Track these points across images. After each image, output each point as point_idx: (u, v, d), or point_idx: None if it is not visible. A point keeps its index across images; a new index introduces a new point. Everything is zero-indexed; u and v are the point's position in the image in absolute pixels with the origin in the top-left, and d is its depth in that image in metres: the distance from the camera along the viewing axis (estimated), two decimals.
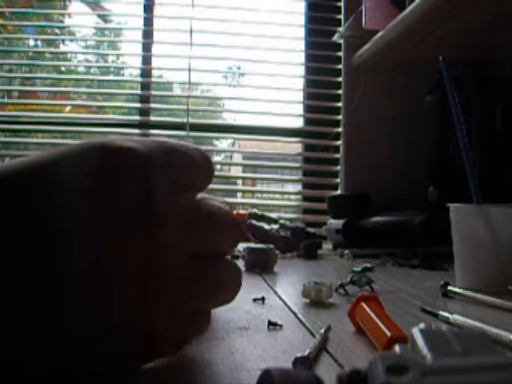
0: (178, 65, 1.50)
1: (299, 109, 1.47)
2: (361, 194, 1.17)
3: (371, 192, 1.16)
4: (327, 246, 1.05)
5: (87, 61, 2.23)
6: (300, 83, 1.48)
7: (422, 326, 0.21)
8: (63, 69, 1.69)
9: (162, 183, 0.25)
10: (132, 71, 2.25)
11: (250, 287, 0.55)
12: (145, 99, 1.44)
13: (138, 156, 0.25)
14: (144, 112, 1.44)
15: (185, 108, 1.40)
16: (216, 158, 2.58)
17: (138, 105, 1.45)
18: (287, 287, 0.58)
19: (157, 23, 1.46)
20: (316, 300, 0.48)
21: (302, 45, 1.45)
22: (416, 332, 0.20)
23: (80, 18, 2.46)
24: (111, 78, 1.85)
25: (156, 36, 1.45)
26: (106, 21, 2.00)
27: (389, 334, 0.31)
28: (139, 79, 1.47)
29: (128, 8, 1.57)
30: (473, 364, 0.17)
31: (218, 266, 0.28)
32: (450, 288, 0.52)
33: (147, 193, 0.25)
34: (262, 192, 2.16)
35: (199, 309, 0.28)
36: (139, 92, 1.45)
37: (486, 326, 0.35)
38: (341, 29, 1.27)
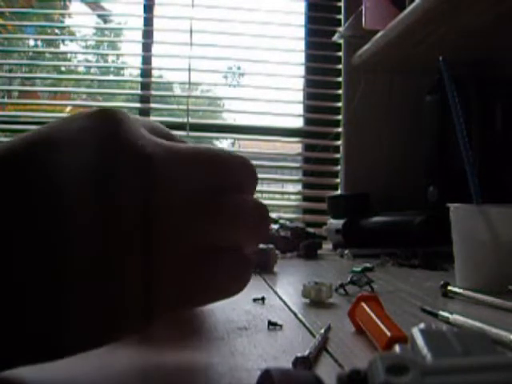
0: (177, 65, 1.50)
1: (299, 109, 1.47)
2: (361, 194, 1.17)
3: (371, 192, 1.16)
4: (327, 246, 1.05)
5: (87, 61, 2.23)
6: (300, 83, 1.48)
7: (421, 326, 0.21)
8: (63, 69, 1.69)
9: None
10: (132, 71, 2.24)
11: (250, 287, 0.54)
12: (145, 99, 1.44)
13: (145, 159, 0.24)
14: (144, 112, 1.44)
15: (185, 108, 1.40)
16: None
17: (138, 105, 1.45)
18: (287, 287, 0.58)
19: (157, 23, 1.46)
20: (316, 300, 0.48)
21: (302, 45, 1.45)
22: (416, 332, 0.20)
23: (80, 18, 2.46)
24: (111, 78, 1.85)
25: (156, 36, 1.45)
26: (105, 21, 2.00)
27: (389, 334, 0.31)
28: (139, 79, 1.47)
29: (128, 8, 1.57)
30: (473, 364, 0.17)
31: (222, 200, 0.26)
32: (449, 288, 0.52)
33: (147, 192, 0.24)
34: (262, 192, 2.16)
35: (219, 243, 0.26)
36: (139, 92, 1.45)
37: (486, 326, 0.35)
38: (341, 29, 1.27)
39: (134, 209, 0.23)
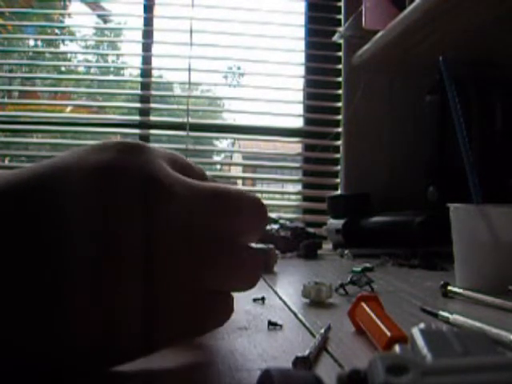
0: (178, 65, 1.50)
1: (299, 109, 1.47)
2: (361, 193, 1.17)
3: (371, 192, 1.16)
4: (327, 246, 1.05)
5: (87, 61, 2.23)
6: (300, 83, 1.48)
7: (421, 326, 0.21)
8: (63, 69, 1.69)
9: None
10: (132, 71, 2.24)
11: None
12: (145, 99, 1.44)
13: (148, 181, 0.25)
14: (144, 112, 1.44)
15: (185, 108, 1.40)
16: (216, 158, 2.59)
17: (138, 105, 1.45)
18: (287, 287, 0.58)
19: (157, 23, 1.46)
20: (316, 300, 0.48)
21: (302, 45, 1.45)
22: (416, 332, 0.20)
23: (80, 18, 2.47)
24: (111, 78, 1.85)
25: (156, 36, 1.45)
26: (105, 21, 2.00)
27: (389, 334, 0.31)
28: (139, 79, 1.47)
29: (128, 8, 1.57)
30: (473, 364, 0.17)
31: (235, 247, 0.28)
32: (449, 288, 0.52)
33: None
34: (262, 192, 2.16)
35: (214, 288, 0.28)
36: (139, 92, 1.45)
37: (486, 326, 0.35)
38: (341, 29, 1.27)
39: (148, 244, 0.24)
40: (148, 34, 1.44)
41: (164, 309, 0.25)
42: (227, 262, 0.27)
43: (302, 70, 1.46)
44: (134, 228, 0.24)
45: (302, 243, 0.91)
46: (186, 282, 0.26)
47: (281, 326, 0.38)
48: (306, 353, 0.29)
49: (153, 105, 1.46)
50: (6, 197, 0.24)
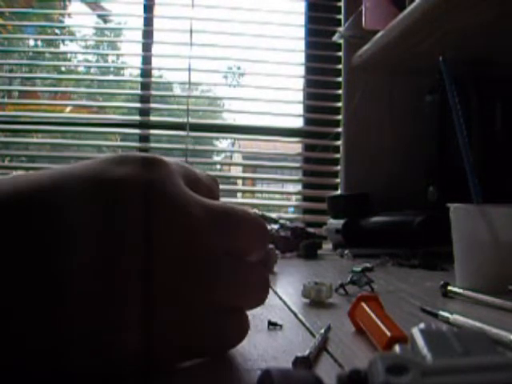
0: (177, 65, 1.50)
1: (299, 109, 1.47)
2: (361, 194, 1.17)
3: (371, 192, 1.16)
4: (327, 246, 1.05)
5: (87, 61, 2.23)
6: (300, 83, 1.48)
7: (422, 326, 0.21)
8: (63, 69, 1.69)
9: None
10: (132, 71, 2.24)
11: None
12: (145, 99, 1.44)
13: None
14: (144, 112, 1.44)
15: (185, 108, 1.40)
16: (216, 158, 2.58)
17: (138, 105, 1.45)
18: (287, 287, 0.58)
19: (157, 23, 1.46)
20: (316, 300, 0.48)
21: (302, 45, 1.45)
22: (416, 332, 0.20)
23: (80, 18, 2.46)
24: (111, 78, 1.85)
25: (156, 36, 1.45)
26: (105, 21, 2.00)
27: (389, 334, 0.31)
28: (139, 79, 1.47)
29: (128, 8, 1.56)
30: (473, 364, 0.17)
31: (244, 264, 0.29)
32: (449, 288, 0.52)
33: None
34: (262, 192, 2.16)
35: (225, 304, 0.28)
36: (139, 92, 1.45)
37: (486, 326, 0.35)
38: (341, 29, 1.27)
39: (164, 261, 0.24)
40: (148, 34, 1.44)
41: (174, 323, 0.25)
42: (238, 277, 0.28)
43: (302, 70, 1.46)
44: (146, 243, 0.24)
45: (301, 243, 0.91)
46: (196, 297, 0.26)
47: (281, 326, 0.38)
48: (306, 353, 0.29)
49: (153, 105, 1.46)
50: (12, 209, 0.23)
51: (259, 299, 0.31)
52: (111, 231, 0.24)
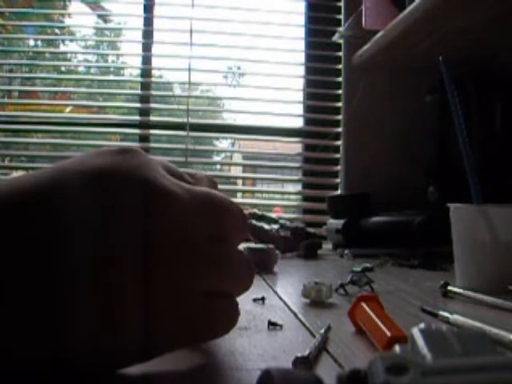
0: (177, 65, 1.50)
1: (299, 109, 1.47)
2: (361, 193, 1.16)
3: (371, 192, 1.16)
4: (327, 246, 1.05)
5: (87, 61, 2.23)
6: (300, 83, 1.48)
7: (422, 325, 0.21)
8: (63, 69, 1.69)
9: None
10: (132, 71, 2.25)
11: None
12: (145, 99, 1.44)
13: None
14: (144, 112, 1.44)
15: (185, 108, 1.40)
16: (216, 158, 2.58)
17: (138, 105, 1.45)
18: (287, 287, 0.58)
19: (157, 23, 1.46)
20: (316, 300, 0.48)
21: (302, 45, 1.45)
22: (416, 332, 0.20)
23: (80, 18, 2.47)
24: (111, 78, 1.85)
25: (156, 36, 1.45)
26: (106, 21, 2.00)
27: (389, 334, 0.31)
28: (139, 79, 1.47)
29: (128, 8, 1.57)
30: (473, 364, 0.17)
31: (226, 249, 0.29)
32: (450, 288, 0.52)
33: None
34: (262, 192, 2.16)
35: (211, 288, 0.28)
36: (139, 92, 1.45)
37: (486, 326, 0.35)
38: (341, 29, 1.27)
39: (145, 246, 0.24)
40: (148, 34, 1.44)
41: (163, 309, 0.25)
42: (222, 261, 0.28)
43: (302, 70, 1.46)
44: (133, 228, 0.24)
45: (301, 243, 0.91)
46: (184, 281, 0.26)
47: (281, 326, 0.38)
48: (306, 353, 0.29)
49: (153, 105, 1.46)
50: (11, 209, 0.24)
51: (245, 283, 0.31)
52: (93, 220, 0.24)
